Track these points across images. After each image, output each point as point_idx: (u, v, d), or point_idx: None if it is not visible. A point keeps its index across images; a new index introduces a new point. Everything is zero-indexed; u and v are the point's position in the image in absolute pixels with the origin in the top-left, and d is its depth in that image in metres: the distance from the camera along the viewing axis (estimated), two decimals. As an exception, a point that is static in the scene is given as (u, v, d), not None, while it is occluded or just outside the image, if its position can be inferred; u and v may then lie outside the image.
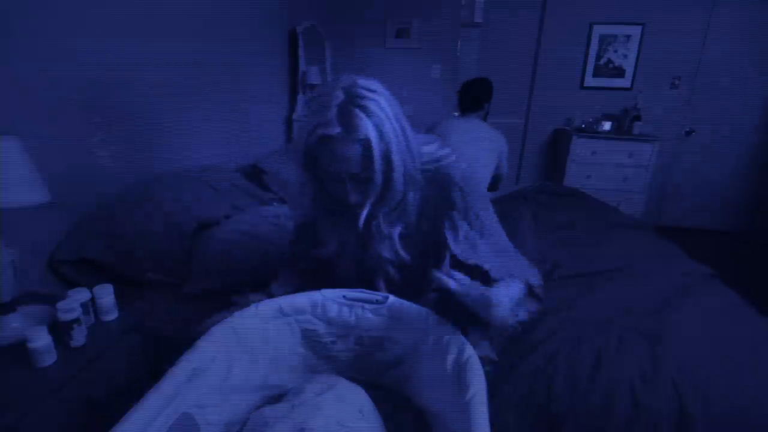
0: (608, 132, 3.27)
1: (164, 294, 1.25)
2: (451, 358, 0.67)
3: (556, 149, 3.57)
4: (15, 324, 0.90)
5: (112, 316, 1.01)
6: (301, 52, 2.80)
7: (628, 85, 3.38)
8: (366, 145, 0.69)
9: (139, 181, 1.49)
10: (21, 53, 1.10)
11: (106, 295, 0.99)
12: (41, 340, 0.81)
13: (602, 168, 3.23)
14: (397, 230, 0.83)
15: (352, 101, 0.69)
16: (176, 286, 1.26)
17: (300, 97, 2.89)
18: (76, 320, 0.87)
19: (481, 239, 0.82)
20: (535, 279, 0.90)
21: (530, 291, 0.87)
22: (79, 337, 0.88)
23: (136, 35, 1.46)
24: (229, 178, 1.75)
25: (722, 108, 3.31)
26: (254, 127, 2.45)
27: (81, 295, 0.95)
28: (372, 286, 0.87)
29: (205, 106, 1.93)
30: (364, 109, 0.69)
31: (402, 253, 0.84)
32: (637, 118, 3.21)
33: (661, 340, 0.97)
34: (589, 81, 3.44)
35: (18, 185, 0.88)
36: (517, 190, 2.20)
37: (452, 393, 0.62)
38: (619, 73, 3.38)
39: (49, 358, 0.83)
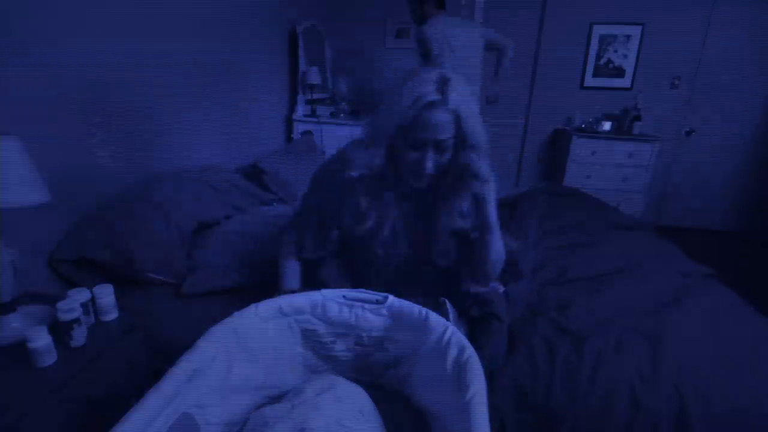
0: (608, 132, 3.27)
1: (164, 294, 1.25)
2: (451, 358, 0.67)
3: (556, 149, 3.57)
4: (15, 324, 0.90)
5: (112, 316, 1.01)
6: (301, 52, 2.80)
7: (628, 85, 3.38)
8: (455, 115, 0.84)
9: (139, 180, 1.49)
10: (21, 53, 1.10)
11: (106, 295, 0.99)
12: (41, 340, 0.81)
13: (602, 168, 3.23)
14: (461, 200, 0.94)
15: (446, 82, 0.84)
16: (176, 286, 1.27)
17: (300, 97, 2.89)
18: (76, 320, 0.87)
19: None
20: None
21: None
22: (79, 337, 0.88)
23: (136, 35, 1.46)
24: (229, 179, 1.75)
25: (722, 108, 3.30)
26: (254, 127, 2.45)
27: (81, 295, 0.95)
28: (423, 261, 1.00)
29: (205, 106, 1.93)
30: (455, 88, 0.84)
31: (464, 223, 0.96)
32: (637, 118, 3.21)
33: (661, 340, 0.97)
34: (589, 81, 3.44)
35: (18, 185, 0.87)
36: (527, 191, 2.19)
37: (452, 393, 0.62)
38: (619, 73, 3.38)
39: (49, 358, 0.83)
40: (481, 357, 0.67)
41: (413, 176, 0.91)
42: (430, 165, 0.87)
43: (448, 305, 0.87)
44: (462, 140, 0.87)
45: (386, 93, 0.91)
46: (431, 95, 0.83)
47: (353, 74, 3.42)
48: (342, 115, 2.98)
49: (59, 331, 0.85)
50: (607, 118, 3.32)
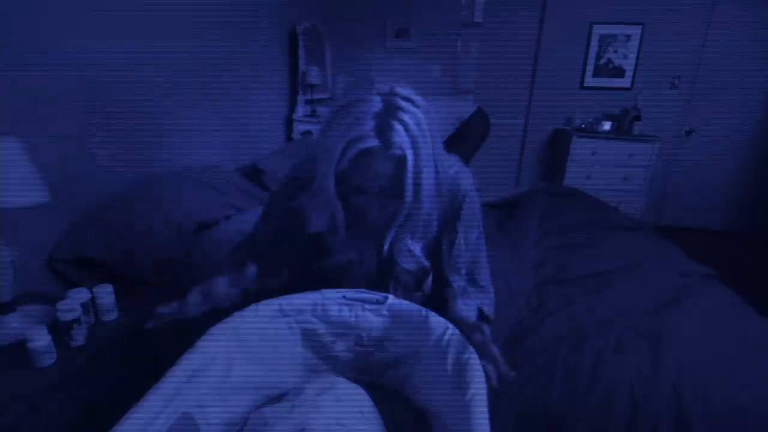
0: (608, 132, 3.27)
1: (164, 294, 1.25)
2: (451, 358, 0.67)
3: (556, 149, 3.57)
4: (15, 324, 0.90)
5: (112, 316, 1.01)
6: (301, 52, 2.80)
7: (628, 85, 3.38)
8: (401, 161, 0.65)
9: (138, 180, 1.49)
10: (21, 53, 1.10)
11: (106, 295, 0.99)
12: (41, 340, 0.81)
13: (602, 168, 3.24)
14: (419, 245, 0.81)
15: (391, 113, 0.64)
16: (176, 286, 1.26)
17: (300, 97, 2.89)
18: (76, 320, 0.87)
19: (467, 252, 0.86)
20: (490, 305, 0.90)
21: (479, 315, 0.87)
22: (79, 337, 0.88)
23: (136, 35, 1.46)
24: (228, 179, 1.75)
25: (722, 107, 3.31)
26: (254, 127, 2.45)
27: (81, 295, 0.95)
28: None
29: (205, 106, 1.93)
30: (403, 123, 0.64)
31: (424, 262, 0.83)
32: (637, 118, 3.21)
33: (661, 340, 0.97)
34: (589, 81, 3.44)
35: (18, 185, 0.88)
36: (527, 191, 2.19)
37: (452, 393, 0.62)
38: (619, 73, 3.38)
39: (49, 358, 0.83)
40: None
41: (363, 218, 0.76)
42: (374, 214, 0.73)
43: None
44: (419, 188, 0.68)
45: (321, 129, 0.71)
46: (368, 139, 0.63)
47: (353, 74, 3.42)
48: (342, 115, 2.97)
49: (59, 331, 0.86)
50: (607, 118, 3.32)
